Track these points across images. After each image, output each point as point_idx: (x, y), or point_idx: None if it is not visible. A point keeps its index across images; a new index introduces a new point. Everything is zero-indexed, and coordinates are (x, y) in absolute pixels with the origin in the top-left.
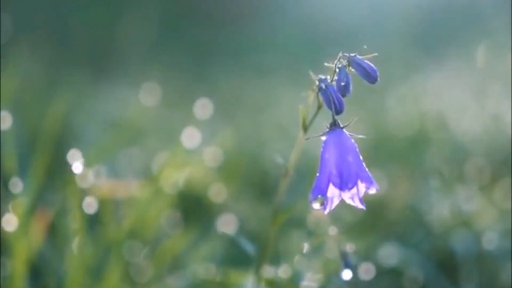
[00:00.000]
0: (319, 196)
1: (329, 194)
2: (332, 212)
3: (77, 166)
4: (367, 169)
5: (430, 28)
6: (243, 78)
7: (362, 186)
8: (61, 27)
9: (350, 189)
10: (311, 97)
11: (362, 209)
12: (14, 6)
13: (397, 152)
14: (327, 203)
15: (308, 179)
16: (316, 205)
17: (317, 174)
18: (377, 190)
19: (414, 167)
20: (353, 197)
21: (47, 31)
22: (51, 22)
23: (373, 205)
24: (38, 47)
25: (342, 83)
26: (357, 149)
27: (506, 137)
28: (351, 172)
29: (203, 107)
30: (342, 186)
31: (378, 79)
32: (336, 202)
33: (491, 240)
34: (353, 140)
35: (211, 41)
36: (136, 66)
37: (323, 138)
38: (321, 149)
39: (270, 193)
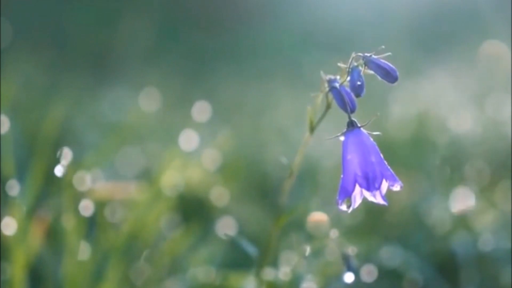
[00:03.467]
0: (346, 197)
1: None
2: (332, 215)
3: (59, 169)
4: (389, 167)
5: (430, 30)
6: (242, 81)
7: (385, 184)
8: (60, 31)
9: (377, 189)
10: (319, 97)
11: (384, 205)
12: (13, 11)
13: (397, 154)
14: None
15: (308, 182)
16: (344, 207)
17: (341, 176)
18: (401, 187)
19: (414, 169)
20: (375, 194)
21: (46, 35)
22: (50, 26)
23: (373, 208)
24: (37, 51)
25: (358, 83)
26: (377, 148)
27: (506, 139)
28: (376, 172)
29: (202, 110)
30: (370, 187)
31: (398, 78)
32: (358, 200)
33: (491, 243)
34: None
35: (210, 45)
36: (135, 69)
37: (342, 138)
38: (342, 150)
39: (270, 195)
